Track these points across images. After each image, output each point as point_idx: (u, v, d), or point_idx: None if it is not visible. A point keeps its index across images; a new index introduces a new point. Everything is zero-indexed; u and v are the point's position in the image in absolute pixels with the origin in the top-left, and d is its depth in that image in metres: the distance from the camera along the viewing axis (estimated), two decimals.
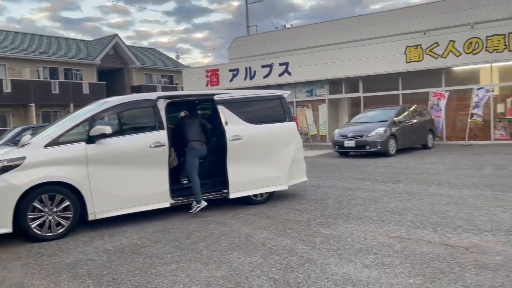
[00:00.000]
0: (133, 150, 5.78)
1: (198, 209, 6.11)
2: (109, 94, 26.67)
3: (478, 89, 15.31)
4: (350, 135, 13.05)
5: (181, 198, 6.21)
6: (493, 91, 15.64)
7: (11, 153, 5.24)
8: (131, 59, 34.99)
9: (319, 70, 19.05)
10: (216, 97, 6.53)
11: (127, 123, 6.40)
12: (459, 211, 5.74)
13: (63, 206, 5.28)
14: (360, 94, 18.68)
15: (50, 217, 5.20)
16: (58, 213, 5.25)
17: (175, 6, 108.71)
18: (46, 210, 5.18)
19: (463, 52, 15.65)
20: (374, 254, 4.19)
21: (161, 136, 5.93)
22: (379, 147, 12.51)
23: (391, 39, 17.84)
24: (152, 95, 6.26)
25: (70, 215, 5.33)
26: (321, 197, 7.19)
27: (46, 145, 5.33)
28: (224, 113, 6.43)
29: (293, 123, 7.22)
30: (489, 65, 15.70)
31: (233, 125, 6.42)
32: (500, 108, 15.70)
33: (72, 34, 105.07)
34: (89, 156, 5.44)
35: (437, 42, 16.14)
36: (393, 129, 12.91)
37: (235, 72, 21.94)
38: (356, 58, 18.02)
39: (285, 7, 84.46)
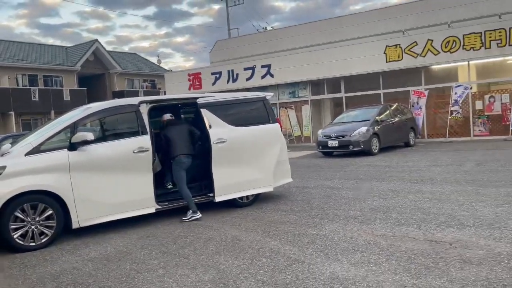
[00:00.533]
0: (117, 156, 5.72)
1: (193, 218, 6.06)
2: (90, 100, 26.32)
3: (457, 86, 15.62)
4: (333, 135, 13.16)
5: (166, 203, 6.17)
6: (471, 88, 15.96)
7: None
8: (112, 64, 34.63)
9: (301, 71, 19.17)
10: (199, 101, 6.51)
11: (109, 129, 6.33)
12: (442, 207, 5.84)
13: (46, 215, 5.19)
14: (342, 94, 18.86)
15: (33, 227, 5.11)
16: (41, 222, 5.16)
17: (155, 11, 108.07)
18: (29, 219, 5.08)
19: (441, 50, 15.94)
20: (360, 253, 4.23)
21: (145, 141, 5.89)
22: (362, 146, 12.64)
23: (371, 39, 18.06)
24: (134, 100, 6.21)
25: (53, 224, 5.24)
26: (306, 197, 7.23)
27: (27, 154, 5.24)
28: (208, 117, 6.42)
29: (277, 124, 7.24)
30: (466, 63, 16.03)
31: (217, 128, 6.40)
32: (479, 105, 16.03)
33: (51, 41, 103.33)
34: (71, 164, 5.36)
35: (415, 42, 16.41)
36: (376, 128, 13.06)
37: (217, 75, 21.91)
38: (337, 59, 18.19)
39: (266, 10, 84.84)
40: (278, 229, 5.33)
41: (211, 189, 6.37)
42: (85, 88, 32.20)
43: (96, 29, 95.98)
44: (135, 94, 32.86)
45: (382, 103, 16.58)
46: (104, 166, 5.60)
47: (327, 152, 13.64)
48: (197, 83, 22.64)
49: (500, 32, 14.97)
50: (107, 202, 5.59)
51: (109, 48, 54.57)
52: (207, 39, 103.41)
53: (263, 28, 32.48)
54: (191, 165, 6.50)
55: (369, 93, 17.95)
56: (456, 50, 15.68)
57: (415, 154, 12.64)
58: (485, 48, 15.24)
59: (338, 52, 18.33)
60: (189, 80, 22.87)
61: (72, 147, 5.41)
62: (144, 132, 5.95)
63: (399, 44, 16.81)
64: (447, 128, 15.91)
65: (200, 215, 6.08)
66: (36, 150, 5.29)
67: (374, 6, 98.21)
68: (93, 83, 34.31)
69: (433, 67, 16.77)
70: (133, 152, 5.77)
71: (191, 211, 6.10)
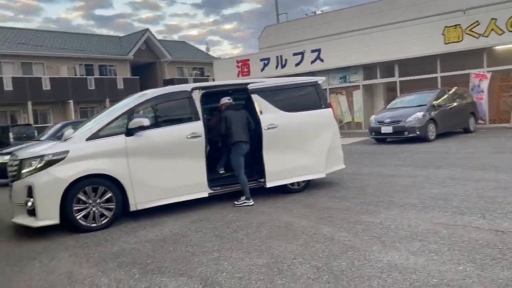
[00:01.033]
0: (171, 142, 5.84)
1: (244, 205, 6.09)
2: (142, 89, 27.14)
3: None
4: (387, 121, 12.72)
5: (219, 188, 6.24)
6: None
7: (55, 147, 5.41)
8: (162, 53, 35.47)
9: (352, 55, 18.62)
10: (250, 86, 6.48)
11: (163, 115, 6.45)
12: (508, 196, 5.47)
13: (106, 197, 5.42)
14: (396, 78, 18.14)
15: (94, 208, 5.35)
16: (101, 204, 5.40)
17: None
18: (90, 201, 5.33)
19: (506, 30, 14.85)
20: (419, 241, 4.06)
21: (197, 127, 5.96)
22: (417, 132, 12.13)
23: (428, 20, 17.16)
24: (187, 87, 6.29)
25: (112, 206, 5.46)
26: (359, 184, 7.05)
27: (88, 139, 5.47)
28: (259, 102, 6.38)
29: (329, 109, 7.08)
30: None
31: (268, 114, 6.36)
32: None
33: (105, 31, 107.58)
34: (128, 149, 5.54)
35: (477, 21, 15.39)
36: (432, 113, 12.47)
37: (266, 62, 21.80)
38: (391, 42, 17.46)
39: None
40: (331, 215, 5.24)
41: (262, 175, 6.36)
42: (138, 77, 33.27)
43: (147, 19, 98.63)
44: (184, 82, 33.48)
45: (439, 87, 15.78)
46: (159, 151, 5.74)
47: (380, 138, 13.22)
48: (245, 70, 22.67)
49: None
50: (162, 186, 5.74)
51: (159, 37, 55.95)
52: (255, 25, 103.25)
53: (312, 12, 31.88)
54: None
55: (425, 77, 17.14)
56: None
57: (476, 140, 11.95)
58: None
59: (391, 35, 17.60)
60: (237, 67, 22.95)
61: (129, 132, 5.58)
62: (196, 118, 6.02)
63: (459, 25, 15.85)
64: None
65: (253, 203, 6.09)
66: (95, 136, 5.51)
67: None
68: (144, 71, 35.38)
69: (497, 48, 15.69)
70: (186, 137, 5.86)
71: (244, 197, 6.13)
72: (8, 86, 26.70)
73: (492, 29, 15.14)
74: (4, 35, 30.02)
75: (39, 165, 5.19)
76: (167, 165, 5.77)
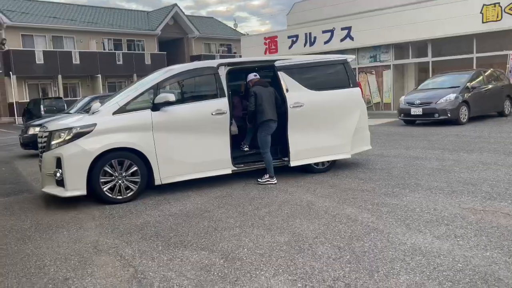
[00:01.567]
0: (196, 118, 5.84)
1: (268, 183, 6.08)
2: (169, 64, 27.24)
3: None
4: (417, 102, 12.35)
5: (242, 165, 6.24)
6: None
7: (83, 120, 5.50)
8: (190, 28, 35.42)
9: (383, 34, 18.07)
10: (277, 63, 6.38)
11: (189, 91, 6.45)
12: None
13: (131, 171, 5.50)
14: (429, 58, 17.54)
15: (120, 181, 5.45)
16: (127, 177, 5.49)
17: None
18: (116, 174, 5.42)
19: None
20: (445, 225, 3.96)
21: (222, 103, 5.94)
22: (449, 115, 11.75)
23: None
24: (213, 63, 6.25)
25: (138, 180, 5.55)
26: (386, 166, 6.91)
27: (115, 112, 5.53)
28: (285, 80, 6.28)
29: (358, 89, 6.90)
30: None
31: (294, 92, 6.26)
32: None
33: (133, 6, 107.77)
34: (154, 123, 5.58)
35: None
36: (465, 96, 12.02)
37: (294, 39, 21.45)
38: (424, 20, 16.80)
39: None
40: (355, 196, 5.17)
41: (286, 154, 6.31)
42: (165, 52, 33.42)
43: None
44: (211, 58, 33.47)
45: (475, 68, 15.17)
46: (183, 127, 5.76)
47: (409, 120, 12.88)
48: (273, 47, 22.39)
49: None
50: (187, 161, 5.78)
51: (187, 12, 55.75)
52: (284, 1, 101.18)
53: None
54: None
55: (460, 57, 16.51)
56: None
57: (511, 124, 11.49)
58: None
59: (426, 12, 16.92)
60: (265, 44, 22.68)
61: (155, 107, 5.61)
62: (222, 95, 5.99)
63: (499, 3, 15.07)
64: None
65: (276, 182, 6.07)
66: (122, 110, 5.56)
67: None
68: (172, 47, 35.48)
69: None
70: (212, 114, 5.85)
71: (268, 175, 6.12)
72: (39, 60, 27.35)
73: None
74: (36, 8, 30.58)
75: (68, 137, 5.31)
76: (191, 141, 5.79)
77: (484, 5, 15.40)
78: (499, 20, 15.12)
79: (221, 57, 34.73)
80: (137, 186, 5.56)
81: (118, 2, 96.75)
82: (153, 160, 5.57)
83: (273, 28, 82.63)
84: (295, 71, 6.41)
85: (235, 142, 6.50)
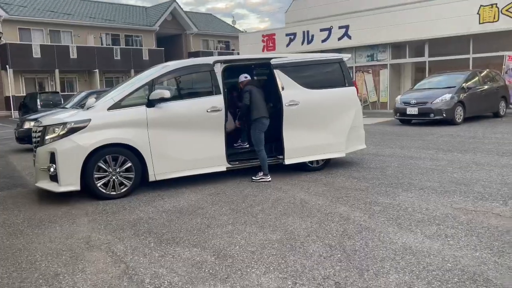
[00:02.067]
0: (191, 114, 5.84)
1: (262, 180, 6.10)
2: (167, 60, 27.22)
3: None
4: (413, 102, 12.39)
5: (237, 162, 6.25)
6: None
7: (78, 115, 5.49)
8: (188, 25, 35.32)
9: (381, 33, 18.09)
10: (273, 61, 6.38)
11: (185, 88, 6.45)
12: None
13: (125, 167, 5.50)
14: (426, 58, 17.58)
15: (114, 177, 5.45)
16: (121, 173, 5.49)
17: None
18: (110, 170, 5.42)
19: None
20: (436, 225, 3.98)
21: (218, 100, 5.94)
22: (444, 115, 11.79)
23: None
24: (209, 59, 6.24)
25: (132, 176, 5.55)
26: (380, 165, 6.94)
27: (110, 108, 5.52)
28: (281, 78, 6.29)
29: (353, 88, 6.92)
30: None
31: (290, 90, 6.27)
32: None
33: (132, 1, 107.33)
34: (149, 120, 5.58)
35: None
36: (461, 96, 12.07)
37: (292, 37, 21.43)
38: (422, 20, 16.84)
39: None
40: (348, 195, 5.19)
41: (281, 152, 6.33)
42: (163, 48, 33.33)
43: None
44: (209, 55, 33.45)
45: (471, 68, 15.21)
46: (179, 124, 5.76)
47: (405, 119, 12.93)
48: (270, 45, 22.38)
49: None
50: (181, 158, 5.78)
51: (186, 8, 55.57)
52: None
53: None
54: None
55: (457, 57, 16.55)
56: None
57: (506, 125, 11.55)
58: None
59: (423, 12, 16.95)
60: (263, 41, 22.66)
61: (150, 104, 5.61)
62: (217, 92, 5.99)
63: (496, 4, 15.12)
64: None
65: (270, 180, 6.09)
66: (117, 105, 5.55)
67: None
68: (170, 43, 35.38)
69: None
70: (207, 111, 5.85)
71: (262, 173, 6.13)
72: (36, 54, 27.22)
73: None
74: (34, 2, 30.39)
75: (62, 132, 5.30)
76: (186, 137, 5.79)
77: (481, 5, 15.44)
78: (495, 21, 15.17)
79: (219, 54, 34.70)
80: (131, 182, 5.56)
81: None
82: (148, 156, 5.57)
83: (272, 26, 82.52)
84: (291, 69, 6.42)
85: (230, 139, 6.51)
